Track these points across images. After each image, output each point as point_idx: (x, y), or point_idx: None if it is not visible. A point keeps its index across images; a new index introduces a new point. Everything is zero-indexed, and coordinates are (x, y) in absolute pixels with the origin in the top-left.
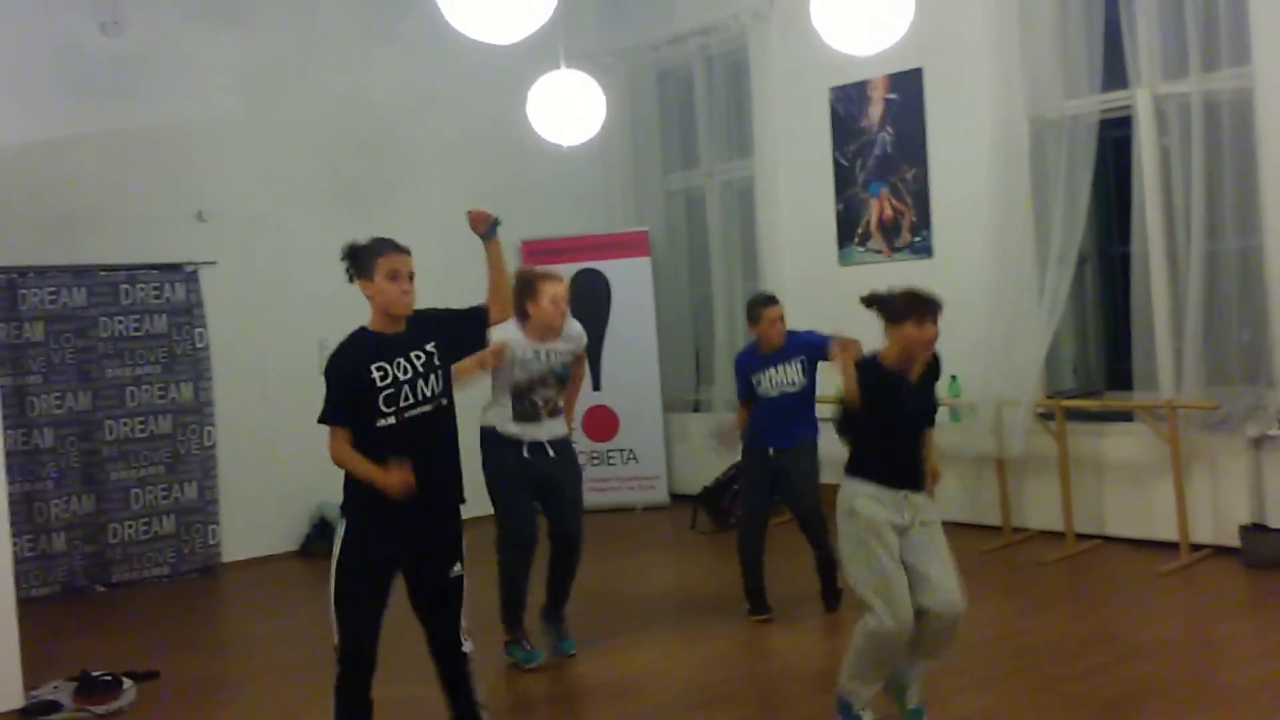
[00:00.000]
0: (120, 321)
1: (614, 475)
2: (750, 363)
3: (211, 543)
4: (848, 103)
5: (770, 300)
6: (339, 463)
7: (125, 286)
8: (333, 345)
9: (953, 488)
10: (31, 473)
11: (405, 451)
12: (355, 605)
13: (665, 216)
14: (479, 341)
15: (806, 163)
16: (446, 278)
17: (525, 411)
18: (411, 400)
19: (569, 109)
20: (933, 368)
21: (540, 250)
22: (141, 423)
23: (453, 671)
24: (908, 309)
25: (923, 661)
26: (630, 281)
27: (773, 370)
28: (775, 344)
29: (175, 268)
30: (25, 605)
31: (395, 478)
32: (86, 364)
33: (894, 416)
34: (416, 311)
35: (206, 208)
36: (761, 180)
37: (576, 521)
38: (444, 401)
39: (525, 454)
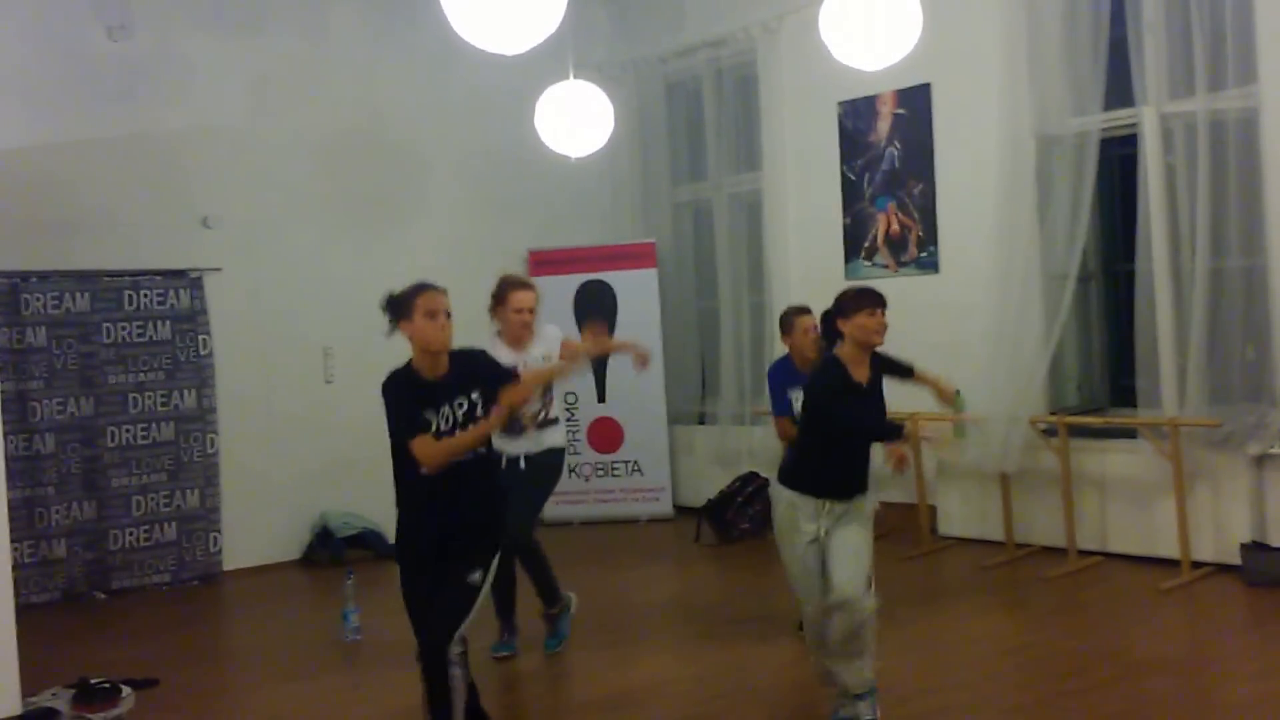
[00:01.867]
0: (124, 328)
1: (618, 487)
2: (785, 376)
3: (213, 550)
4: (856, 117)
5: (804, 310)
6: (440, 458)
7: (129, 293)
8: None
9: (955, 503)
10: (32, 478)
11: (444, 484)
12: (418, 616)
13: (673, 228)
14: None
15: (814, 177)
16: (452, 287)
17: (510, 425)
18: None
19: (577, 120)
20: (876, 367)
21: (547, 260)
22: (144, 429)
23: (434, 672)
24: (857, 302)
25: (836, 662)
26: (637, 293)
27: (799, 391)
28: (809, 356)
29: (180, 274)
30: (25, 611)
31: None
32: (89, 370)
33: (852, 423)
34: (462, 351)
35: (212, 215)
36: (769, 193)
37: (515, 524)
38: (482, 450)
39: (523, 463)
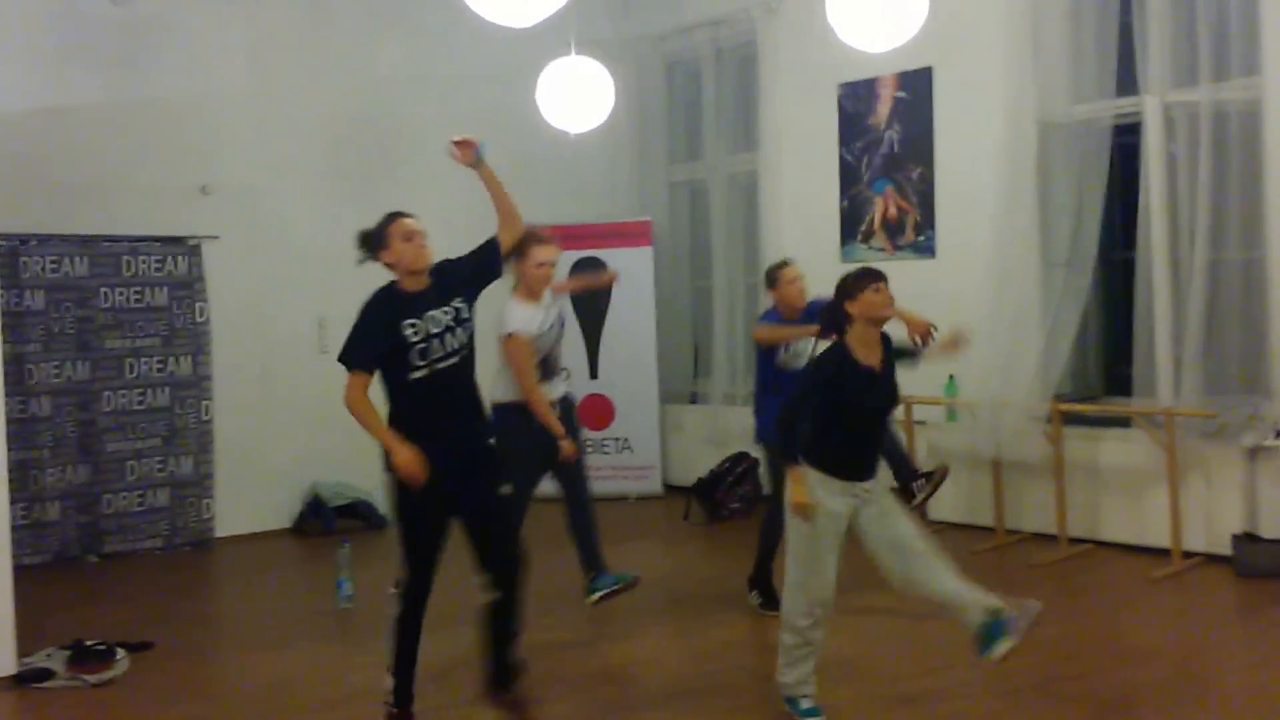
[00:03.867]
0: (121, 293)
1: (608, 464)
2: (776, 320)
3: (205, 517)
4: (856, 99)
5: (785, 263)
6: (354, 412)
7: (127, 258)
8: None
9: (947, 488)
10: (27, 441)
11: (437, 400)
12: (418, 539)
13: (669, 207)
14: (496, 268)
15: (812, 158)
16: (448, 253)
17: (547, 372)
18: (442, 353)
19: (578, 96)
20: (888, 348)
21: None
22: (139, 395)
23: (510, 587)
24: (859, 281)
25: (967, 610)
26: (631, 271)
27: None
28: (797, 305)
29: (178, 241)
30: (17, 573)
31: (408, 456)
32: (86, 334)
33: (864, 413)
34: (437, 264)
35: (211, 182)
36: (766, 174)
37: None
38: (467, 352)
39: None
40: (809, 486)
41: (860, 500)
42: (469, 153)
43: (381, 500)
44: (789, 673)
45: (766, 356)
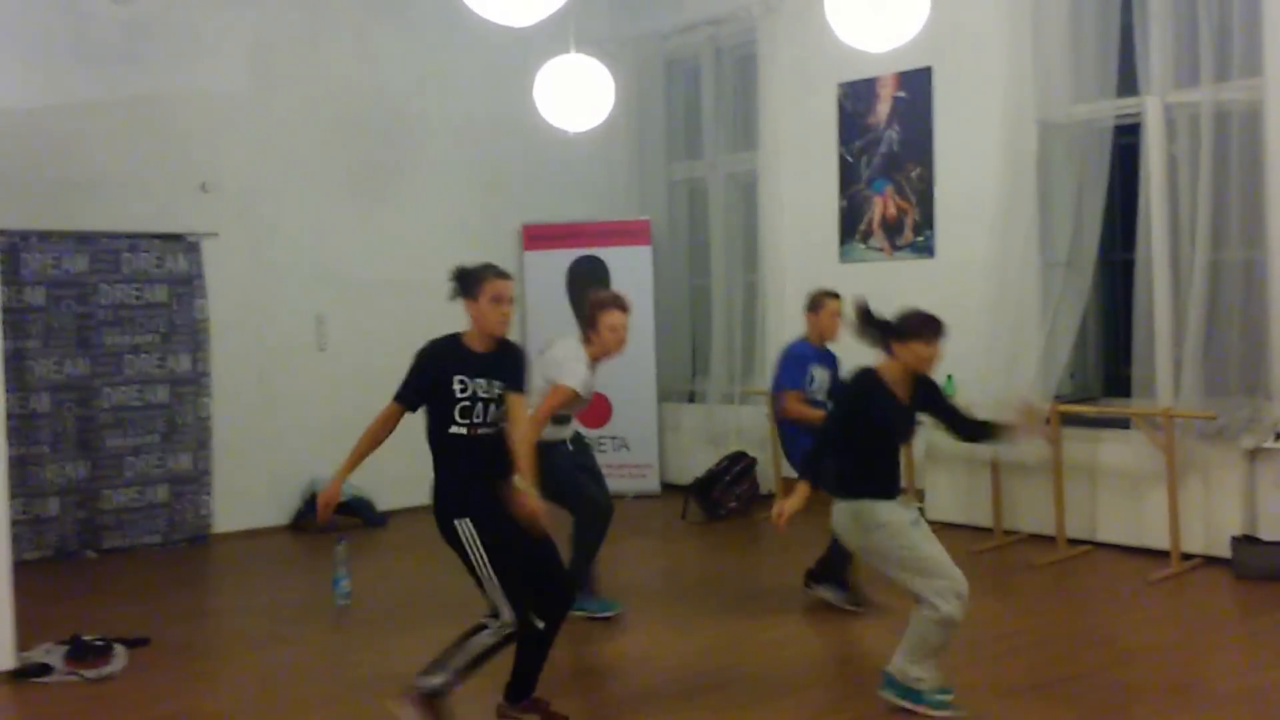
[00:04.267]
0: (121, 289)
1: (605, 462)
2: (807, 352)
3: (203, 513)
4: (855, 99)
5: (834, 294)
6: (368, 428)
7: (127, 255)
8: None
9: (945, 488)
10: (27, 436)
11: (477, 457)
12: (514, 576)
13: (667, 206)
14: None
15: (811, 158)
16: (447, 252)
17: (562, 420)
18: (481, 421)
19: (577, 94)
20: (924, 384)
21: (541, 235)
22: (138, 391)
23: (562, 614)
24: (920, 329)
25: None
26: (630, 269)
27: (819, 369)
28: (829, 338)
29: (177, 238)
30: (16, 568)
31: (325, 500)
32: (86, 330)
33: (887, 435)
34: (513, 346)
35: (210, 179)
36: (765, 174)
37: (607, 494)
38: (502, 427)
39: (570, 446)
40: (879, 514)
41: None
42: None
43: (378, 498)
44: (922, 668)
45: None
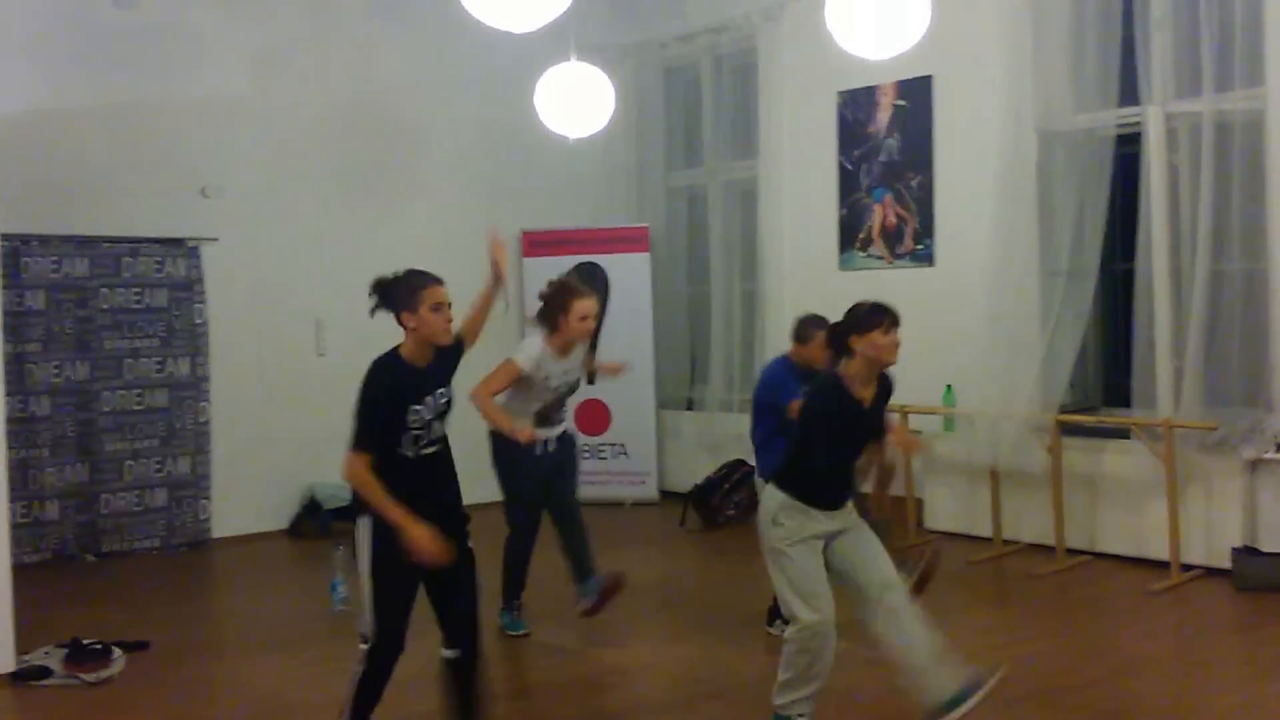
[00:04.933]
0: (121, 294)
1: (604, 469)
2: (792, 373)
3: (201, 518)
4: (855, 107)
5: (826, 323)
6: (358, 486)
7: (127, 259)
8: (328, 324)
9: (944, 497)
10: (27, 440)
11: (421, 481)
12: (392, 598)
13: (666, 214)
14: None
15: (811, 166)
16: (447, 259)
17: (544, 421)
18: (427, 439)
19: (577, 102)
20: (885, 388)
21: (540, 241)
22: (138, 395)
23: (470, 644)
24: (871, 318)
25: (918, 651)
26: (629, 277)
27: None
28: (816, 366)
29: (177, 243)
30: (16, 571)
31: (423, 534)
32: (86, 334)
33: (847, 445)
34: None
35: (211, 184)
36: (765, 181)
37: (572, 491)
38: (447, 440)
39: (539, 450)
40: (791, 521)
41: (835, 525)
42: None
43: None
44: (786, 692)
45: (774, 408)
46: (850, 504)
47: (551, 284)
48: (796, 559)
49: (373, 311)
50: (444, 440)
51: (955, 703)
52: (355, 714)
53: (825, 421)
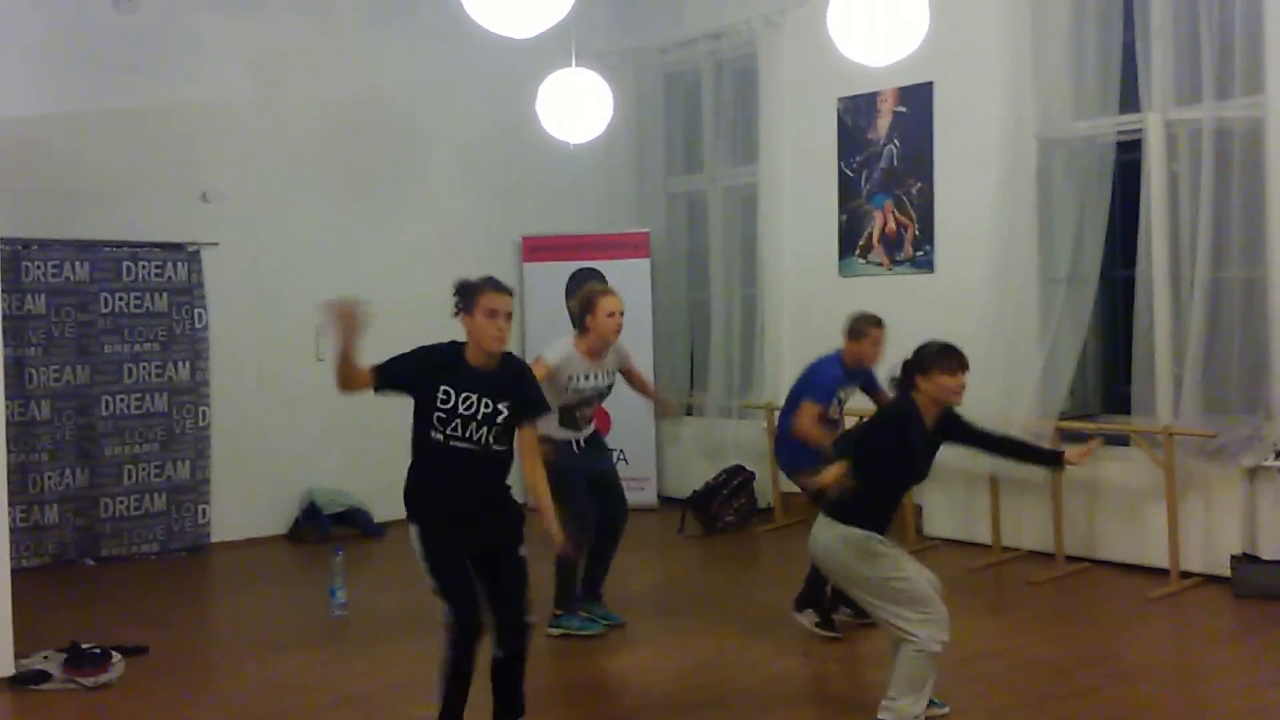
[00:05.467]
0: (121, 298)
1: None
2: (840, 372)
3: (201, 522)
4: (856, 114)
5: (880, 322)
6: (342, 378)
7: (128, 264)
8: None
9: (941, 503)
10: (27, 444)
11: (449, 468)
12: (453, 586)
13: (667, 219)
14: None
15: (811, 172)
16: (447, 264)
17: (570, 422)
18: (459, 435)
19: (577, 107)
20: (948, 416)
21: (540, 247)
22: (138, 400)
23: (517, 646)
24: (939, 360)
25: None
26: (629, 282)
27: (846, 390)
28: (868, 364)
29: (178, 247)
30: (15, 575)
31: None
32: (86, 339)
33: (916, 475)
34: (515, 359)
35: (211, 189)
36: (765, 187)
37: (623, 511)
38: (496, 448)
39: (577, 448)
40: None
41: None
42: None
43: (375, 509)
44: (918, 703)
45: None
46: None
47: (578, 292)
48: (911, 576)
49: (455, 312)
50: (486, 447)
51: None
52: (447, 698)
53: (898, 450)
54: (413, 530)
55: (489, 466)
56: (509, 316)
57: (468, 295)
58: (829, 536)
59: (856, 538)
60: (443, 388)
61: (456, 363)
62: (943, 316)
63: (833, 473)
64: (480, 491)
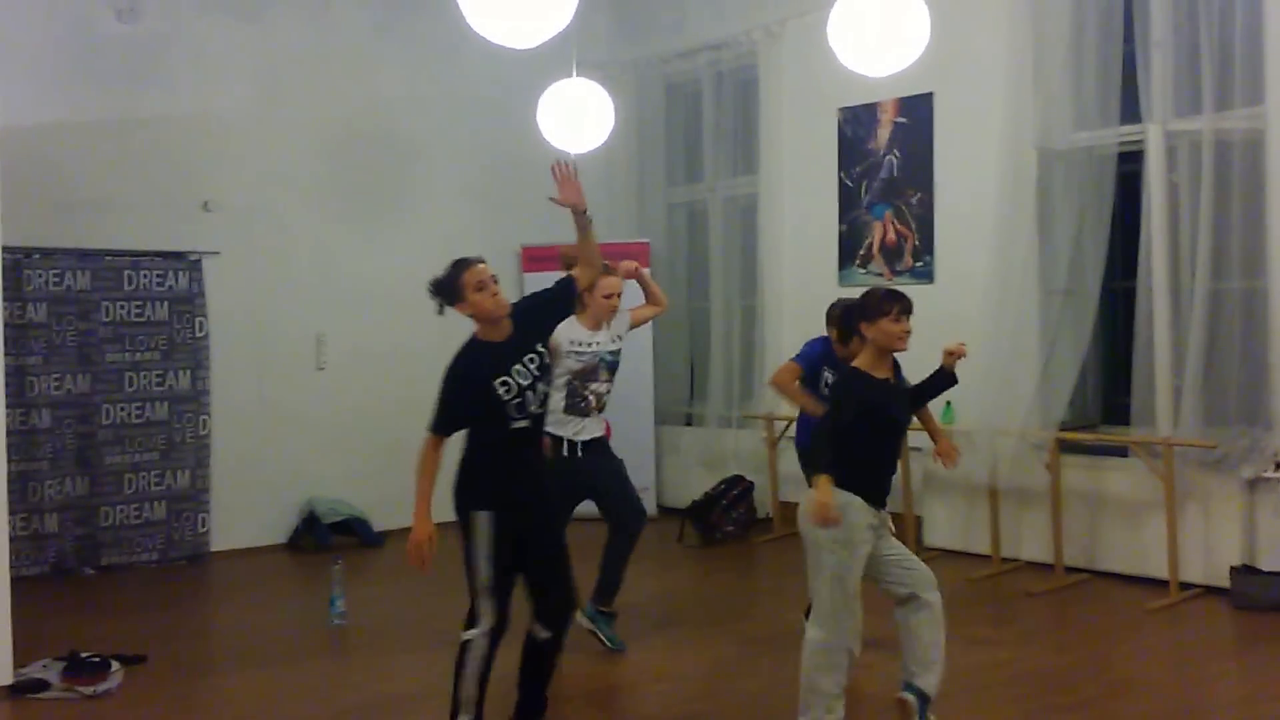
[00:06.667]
0: (122, 307)
1: None
2: (826, 352)
3: (201, 531)
4: (856, 124)
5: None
6: (419, 465)
7: (129, 272)
8: (328, 338)
9: (941, 514)
10: (27, 453)
11: (524, 449)
12: (507, 582)
13: (667, 229)
14: (569, 309)
15: (812, 182)
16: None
17: (577, 405)
18: (536, 402)
19: (578, 117)
20: (896, 368)
21: (541, 256)
22: (138, 408)
23: (563, 624)
24: (882, 304)
25: (929, 662)
26: (629, 292)
27: (831, 373)
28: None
29: (179, 256)
30: (14, 583)
31: (424, 535)
32: (87, 347)
33: (887, 427)
34: (515, 307)
35: (212, 198)
36: (765, 198)
37: (637, 503)
38: (538, 412)
39: (567, 452)
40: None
41: (878, 532)
42: (571, 192)
43: (375, 518)
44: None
45: (812, 386)
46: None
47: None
48: (848, 571)
49: (439, 310)
50: (538, 418)
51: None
52: (476, 691)
53: (858, 406)
54: (482, 518)
55: (536, 438)
56: (496, 279)
57: (449, 287)
58: (807, 500)
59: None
60: (498, 381)
61: (487, 351)
62: (943, 327)
63: (822, 493)
64: (533, 469)
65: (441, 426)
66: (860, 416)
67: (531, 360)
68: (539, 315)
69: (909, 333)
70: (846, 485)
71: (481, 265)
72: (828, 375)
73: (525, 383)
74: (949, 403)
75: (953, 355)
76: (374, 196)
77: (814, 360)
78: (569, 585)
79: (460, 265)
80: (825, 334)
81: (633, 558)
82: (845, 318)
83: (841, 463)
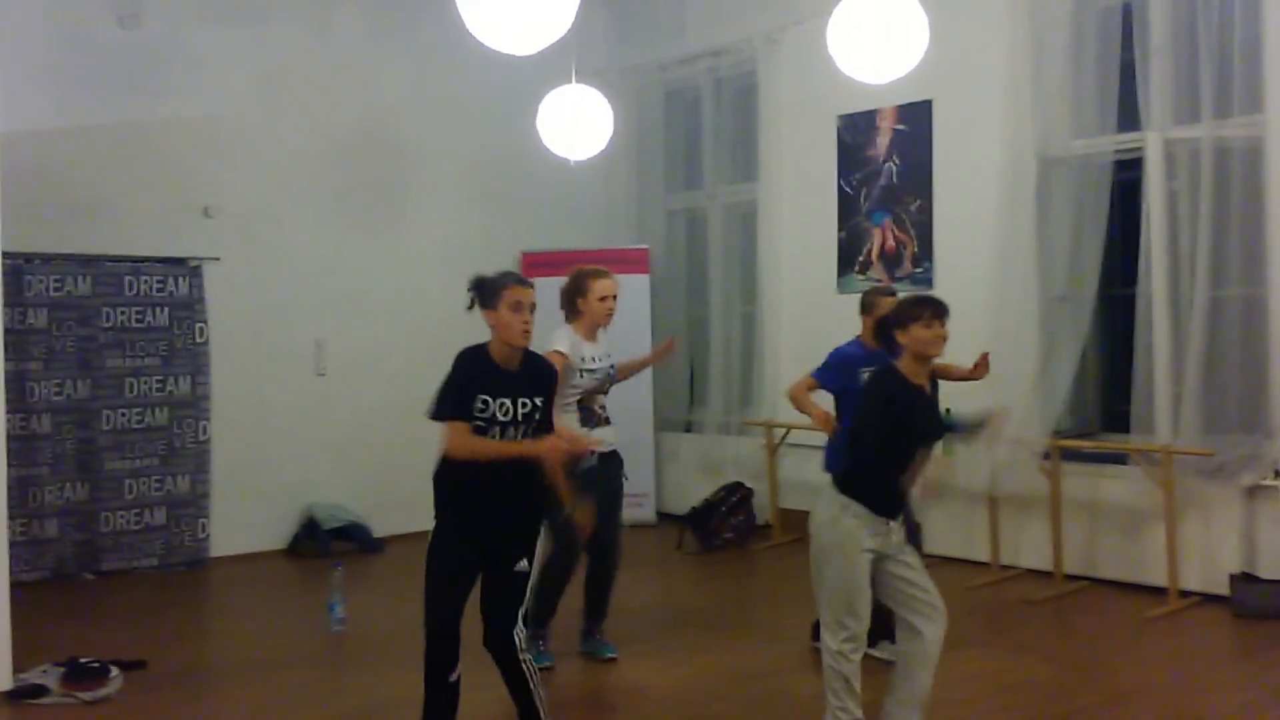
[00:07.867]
0: (123, 312)
1: None
2: (859, 356)
3: (200, 536)
4: (855, 131)
5: (890, 292)
6: (470, 453)
7: (129, 278)
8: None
9: (942, 522)
10: (28, 458)
11: (485, 475)
12: (443, 589)
13: (666, 235)
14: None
15: (811, 189)
16: (447, 280)
17: (589, 418)
18: (496, 436)
19: (578, 123)
20: (934, 384)
21: (540, 262)
22: (139, 414)
23: (498, 652)
24: (913, 311)
25: (907, 703)
26: (628, 298)
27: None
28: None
29: (179, 262)
30: (14, 589)
31: (552, 444)
32: (88, 353)
33: (910, 432)
34: (538, 356)
35: (213, 204)
36: (765, 204)
37: (616, 524)
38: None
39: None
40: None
41: (888, 542)
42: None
43: (375, 524)
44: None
45: (848, 390)
46: (900, 524)
47: (570, 274)
48: (850, 571)
49: (469, 307)
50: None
51: None
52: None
53: (891, 403)
54: (439, 525)
55: (523, 467)
56: (533, 309)
57: (489, 290)
58: (821, 505)
59: (835, 505)
60: (480, 396)
61: (485, 368)
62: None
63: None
64: (509, 490)
65: (449, 409)
66: (882, 413)
67: (523, 405)
68: (546, 381)
69: (944, 338)
70: (853, 490)
71: (528, 289)
72: (863, 375)
73: (502, 417)
74: (947, 409)
75: (978, 368)
76: (374, 203)
77: (845, 364)
78: (511, 615)
79: (509, 276)
80: (857, 336)
81: (631, 564)
82: (879, 328)
83: (853, 463)
